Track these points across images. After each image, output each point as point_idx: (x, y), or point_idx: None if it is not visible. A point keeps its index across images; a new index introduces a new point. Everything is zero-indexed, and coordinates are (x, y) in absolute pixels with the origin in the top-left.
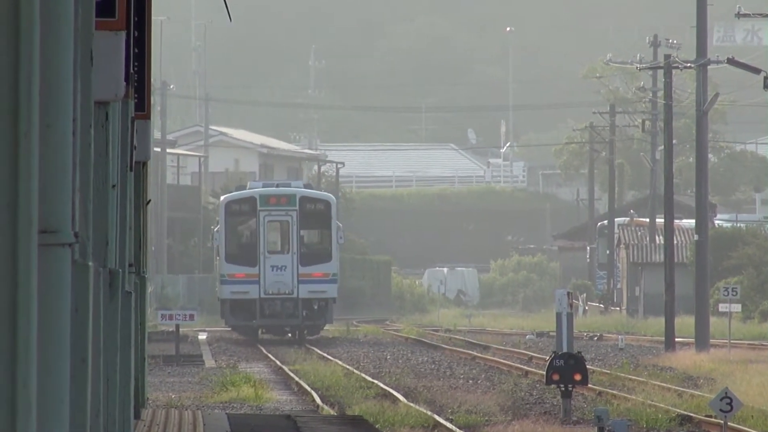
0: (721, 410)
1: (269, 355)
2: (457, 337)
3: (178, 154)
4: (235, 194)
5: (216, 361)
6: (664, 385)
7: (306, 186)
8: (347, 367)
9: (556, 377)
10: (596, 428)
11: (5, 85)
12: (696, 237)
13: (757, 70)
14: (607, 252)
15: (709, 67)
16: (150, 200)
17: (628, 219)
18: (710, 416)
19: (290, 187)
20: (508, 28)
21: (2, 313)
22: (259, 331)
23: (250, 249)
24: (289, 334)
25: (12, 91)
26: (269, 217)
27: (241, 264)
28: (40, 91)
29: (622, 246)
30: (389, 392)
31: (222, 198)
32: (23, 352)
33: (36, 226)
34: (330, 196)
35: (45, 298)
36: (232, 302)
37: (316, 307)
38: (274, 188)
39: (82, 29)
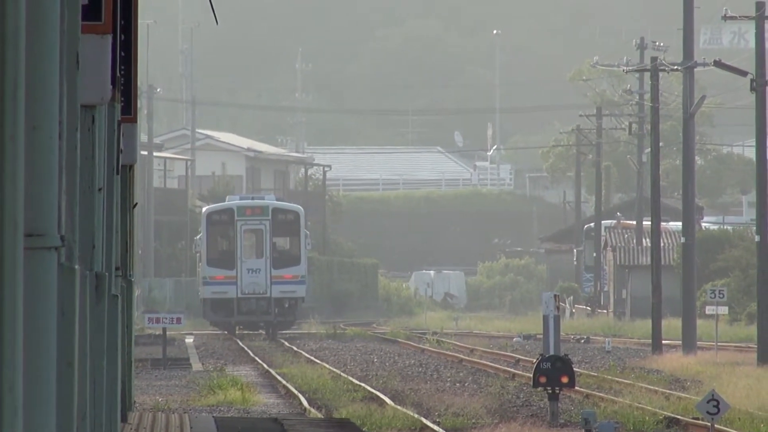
0: (708, 412)
1: (256, 358)
2: (445, 339)
3: (165, 158)
4: (216, 206)
5: (203, 364)
6: (651, 387)
7: (278, 199)
8: (334, 370)
9: (543, 380)
10: (583, 431)
11: None
12: (683, 239)
13: (743, 73)
14: (594, 254)
15: (695, 69)
16: (137, 203)
17: (614, 221)
18: (697, 418)
19: (264, 200)
20: (495, 31)
21: None
22: (236, 328)
23: (229, 254)
24: (262, 330)
25: None
26: (245, 226)
27: (220, 267)
28: (27, 94)
29: (608, 248)
30: (376, 395)
31: (204, 209)
32: (9, 356)
33: (22, 230)
34: (299, 208)
35: (31, 302)
36: (213, 301)
37: (286, 305)
38: (249, 201)
39: (69, 33)
